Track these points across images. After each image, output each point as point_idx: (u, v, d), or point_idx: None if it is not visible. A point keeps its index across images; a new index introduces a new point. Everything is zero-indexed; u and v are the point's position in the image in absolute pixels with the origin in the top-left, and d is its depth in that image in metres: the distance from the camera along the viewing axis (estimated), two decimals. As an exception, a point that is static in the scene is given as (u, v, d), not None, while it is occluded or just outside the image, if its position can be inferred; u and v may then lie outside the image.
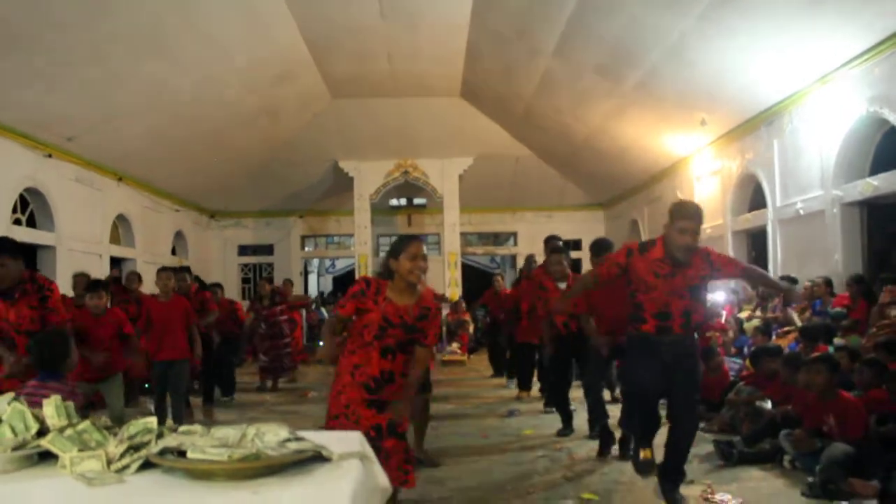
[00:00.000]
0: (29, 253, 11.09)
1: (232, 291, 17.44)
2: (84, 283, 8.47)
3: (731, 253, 11.69)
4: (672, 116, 11.83)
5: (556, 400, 7.67)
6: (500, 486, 5.65)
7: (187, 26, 9.94)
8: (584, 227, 18.79)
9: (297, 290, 18.19)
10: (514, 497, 5.31)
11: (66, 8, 8.38)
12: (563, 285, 7.23)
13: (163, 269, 7.99)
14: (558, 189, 18.73)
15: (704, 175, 12.68)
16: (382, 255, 4.26)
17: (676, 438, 4.79)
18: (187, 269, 9.19)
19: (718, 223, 12.20)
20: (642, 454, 5.01)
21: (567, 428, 7.37)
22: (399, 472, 3.93)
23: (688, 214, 4.60)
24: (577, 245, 17.93)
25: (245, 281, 19.60)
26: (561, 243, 8.16)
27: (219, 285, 11.03)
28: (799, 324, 8.21)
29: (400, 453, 4.00)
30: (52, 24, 8.46)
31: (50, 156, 10.98)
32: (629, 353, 5.08)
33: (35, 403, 3.82)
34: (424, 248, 4.20)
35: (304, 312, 18.58)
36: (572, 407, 7.58)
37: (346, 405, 4.04)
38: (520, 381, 10.22)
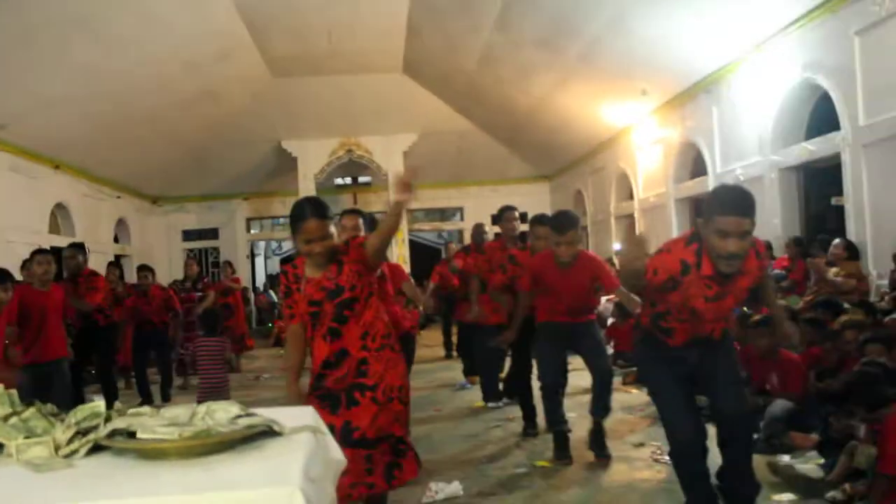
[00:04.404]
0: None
1: (177, 278, 17.19)
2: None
3: (674, 221, 11.91)
4: (614, 87, 11.93)
5: (521, 391, 6.49)
6: (453, 456, 5.71)
7: (119, 5, 9.69)
8: (530, 199, 18.82)
9: (244, 273, 18.07)
10: (468, 466, 5.38)
11: (-8, -11, 8.14)
12: None
13: (39, 252, 6.72)
14: (503, 162, 18.79)
15: (646, 144, 12.85)
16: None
17: None
18: (80, 246, 8.00)
19: (661, 192, 12.39)
20: None
21: (532, 427, 6.31)
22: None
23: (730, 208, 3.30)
24: (523, 218, 17.97)
25: (191, 266, 19.36)
26: (517, 213, 7.19)
27: (148, 268, 10.00)
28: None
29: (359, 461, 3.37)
30: (-24, 6, 8.21)
31: (-19, 145, 10.68)
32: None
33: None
34: (329, 223, 3.43)
35: (252, 296, 18.48)
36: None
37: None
38: (467, 366, 9.40)
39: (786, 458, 4.70)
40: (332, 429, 2.92)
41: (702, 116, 10.70)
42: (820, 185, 9.03)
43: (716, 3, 8.45)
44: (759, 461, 4.87)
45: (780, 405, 5.19)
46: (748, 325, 6.02)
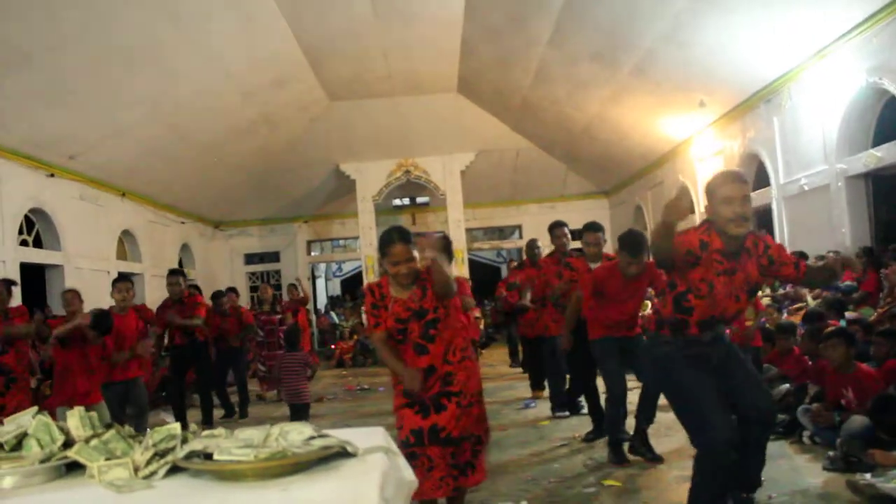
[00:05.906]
0: (37, 273, 11.16)
1: (240, 300, 17.43)
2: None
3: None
4: (670, 100, 11.80)
5: (588, 396, 6.86)
6: (520, 475, 5.66)
7: (181, 37, 9.95)
8: (588, 215, 18.48)
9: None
10: (535, 486, 5.32)
11: (64, 26, 8.40)
12: (596, 266, 6.31)
13: (119, 280, 7.23)
14: (560, 179, 18.71)
15: (706, 156, 12.66)
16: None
17: None
18: (180, 272, 8.92)
19: (723, 204, 12.16)
20: None
21: (596, 431, 6.59)
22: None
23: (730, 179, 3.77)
24: (579, 235, 17.87)
25: (253, 289, 19.59)
26: (567, 229, 7.40)
27: (233, 290, 11.26)
28: (810, 300, 8.19)
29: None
30: (50, 42, 8.50)
31: (52, 175, 11.01)
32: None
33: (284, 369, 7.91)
34: (412, 248, 3.87)
35: (313, 318, 18.64)
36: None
37: (400, 425, 3.92)
38: (532, 380, 9.40)
39: (867, 477, 4.53)
40: (420, 432, 3.82)
41: (763, 127, 10.51)
42: (889, 192, 8.78)
43: (773, 12, 8.31)
44: (837, 479, 4.74)
45: (857, 421, 5.01)
46: (820, 338, 5.86)
